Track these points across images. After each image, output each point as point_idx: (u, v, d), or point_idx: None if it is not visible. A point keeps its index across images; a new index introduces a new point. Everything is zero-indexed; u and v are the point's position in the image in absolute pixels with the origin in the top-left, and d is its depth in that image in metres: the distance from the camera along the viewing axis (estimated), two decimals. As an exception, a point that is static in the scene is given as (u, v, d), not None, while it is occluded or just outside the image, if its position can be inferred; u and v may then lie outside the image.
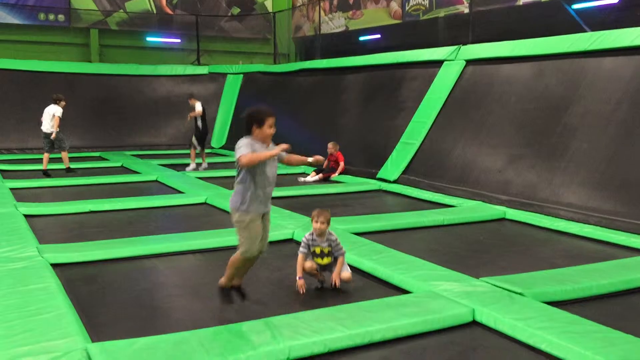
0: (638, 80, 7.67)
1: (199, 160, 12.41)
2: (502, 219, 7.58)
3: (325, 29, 19.62)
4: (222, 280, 4.38)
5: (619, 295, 4.73)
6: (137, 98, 16.44)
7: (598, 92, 8.06)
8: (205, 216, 7.78)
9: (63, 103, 11.28)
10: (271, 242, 6.29)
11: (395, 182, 10.09)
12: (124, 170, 12.10)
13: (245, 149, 4.00)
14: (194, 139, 12.36)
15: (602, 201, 7.21)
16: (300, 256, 4.81)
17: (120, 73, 16.58)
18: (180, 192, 9.35)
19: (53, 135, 11.04)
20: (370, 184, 10.07)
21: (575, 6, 12.72)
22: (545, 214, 7.44)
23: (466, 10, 15.30)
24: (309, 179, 10.76)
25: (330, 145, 11.24)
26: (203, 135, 12.39)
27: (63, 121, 11.23)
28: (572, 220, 7.10)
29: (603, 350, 3.47)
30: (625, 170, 7.25)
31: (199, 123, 12.31)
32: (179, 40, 19.86)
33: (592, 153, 7.69)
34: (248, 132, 4.17)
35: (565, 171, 7.86)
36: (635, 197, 6.96)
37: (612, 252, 6.07)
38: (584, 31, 10.19)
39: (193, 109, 12.35)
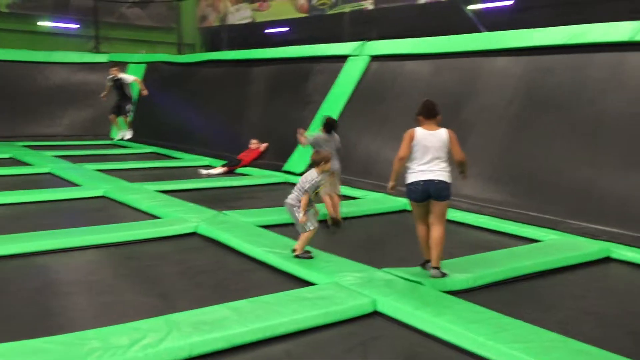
0: (527, 78, 8.14)
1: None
2: (404, 211, 7.79)
3: (232, 19, 19.36)
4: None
5: (509, 282, 5.01)
6: (29, 86, 15.42)
7: (492, 90, 8.48)
8: (103, 210, 7.44)
9: None
10: (174, 236, 6.20)
11: (301, 174, 10.07)
12: (13, 162, 11.34)
13: None
14: (129, 106, 13.02)
15: (495, 193, 7.60)
16: (306, 196, 5.18)
17: (9, 59, 15.50)
18: (76, 184, 8.90)
19: None
20: (276, 177, 10.05)
21: (470, 7, 13.29)
22: (444, 206, 7.73)
23: (371, 7, 15.64)
24: (212, 171, 10.58)
25: (255, 141, 11.46)
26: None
27: None
28: (469, 211, 7.43)
29: (495, 335, 3.65)
30: (516, 164, 7.68)
31: (127, 91, 13.02)
32: (77, 26, 18.87)
33: (487, 147, 8.08)
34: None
35: (463, 165, 8.19)
36: (525, 188, 7.39)
37: (504, 241, 6.40)
38: (481, 31, 10.68)
39: (115, 79, 12.89)
